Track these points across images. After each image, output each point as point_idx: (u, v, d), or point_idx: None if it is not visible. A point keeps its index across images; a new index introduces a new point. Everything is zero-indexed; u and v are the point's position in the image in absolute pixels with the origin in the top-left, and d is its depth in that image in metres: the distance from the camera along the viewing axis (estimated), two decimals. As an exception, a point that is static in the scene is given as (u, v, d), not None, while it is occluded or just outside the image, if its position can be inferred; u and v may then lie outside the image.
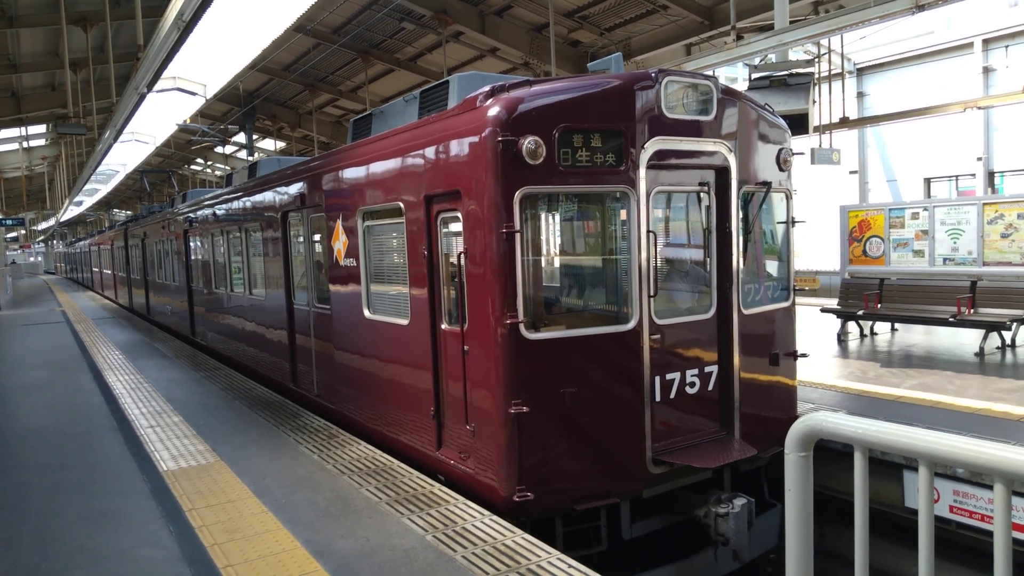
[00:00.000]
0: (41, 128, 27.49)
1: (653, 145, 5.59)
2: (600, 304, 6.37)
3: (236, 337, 12.04)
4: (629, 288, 5.66)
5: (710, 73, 8.32)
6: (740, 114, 6.19)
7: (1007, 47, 19.52)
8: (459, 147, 5.60)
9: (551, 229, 6.34)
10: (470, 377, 5.63)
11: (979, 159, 20.32)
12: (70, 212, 53.45)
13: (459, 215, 5.61)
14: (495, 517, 5.01)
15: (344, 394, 7.94)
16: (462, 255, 5.54)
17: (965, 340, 11.33)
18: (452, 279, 5.89)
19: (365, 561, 4.37)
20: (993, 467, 1.87)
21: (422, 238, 6.10)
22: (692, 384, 5.99)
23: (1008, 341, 10.65)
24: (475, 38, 17.80)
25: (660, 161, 5.67)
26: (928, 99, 18.54)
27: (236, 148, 34.38)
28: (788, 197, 6.84)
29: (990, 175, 20.41)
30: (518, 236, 5.17)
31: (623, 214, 5.73)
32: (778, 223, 6.87)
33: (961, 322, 10.39)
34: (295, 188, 8.87)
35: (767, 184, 6.49)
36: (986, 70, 19.95)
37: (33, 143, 30.80)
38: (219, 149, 35.28)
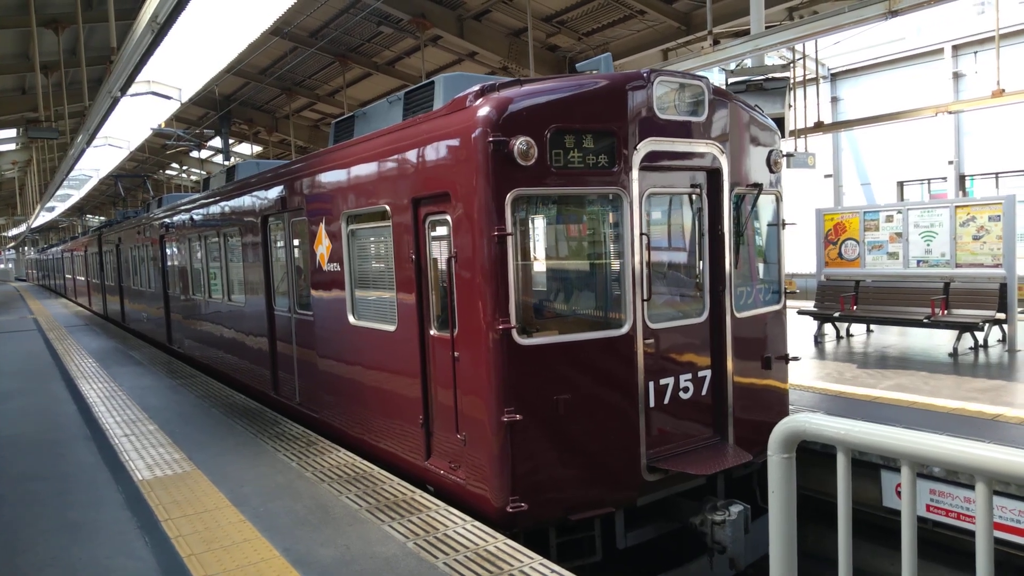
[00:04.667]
0: (11, 132, 27.00)
1: (646, 146, 5.49)
2: (593, 309, 6.20)
3: (214, 344, 11.84)
4: (622, 292, 5.55)
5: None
6: (731, 115, 6.11)
7: (976, 53, 19.90)
8: (448, 148, 5.47)
9: (543, 232, 6.21)
10: (461, 384, 5.48)
11: (950, 163, 20.67)
12: (42, 218, 52.52)
13: (448, 218, 5.46)
14: (477, 523, 4.97)
15: (328, 402, 7.75)
16: (452, 259, 5.39)
17: (939, 341, 11.50)
18: (441, 284, 5.75)
19: (346, 569, 4.32)
20: (976, 467, 1.88)
21: (409, 242, 5.96)
22: (686, 389, 5.89)
23: (980, 341, 10.83)
24: (453, 42, 17.79)
25: (652, 163, 5.58)
26: (900, 104, 18.82)
27: (212, 152, 34.04)
28: (778, 199, 6.79)
29: (961, 178, 20.76)
30: (510, 239, 5.04)
31: (615, 217, 5.62)
32: (769, 225, 6.81)
33: (935, 323, 10.55)
34: (276, 191, 8.71)
35: (758, 186, 6.41)
36: (956, 75, 20.31)
37: (3, 147, 30.25)
38: (194, 153, 34.90)
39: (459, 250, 5.32)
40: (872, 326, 13.11)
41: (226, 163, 27.83)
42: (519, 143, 4.96)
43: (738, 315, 6.18)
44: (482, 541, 4.63)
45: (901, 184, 22.41)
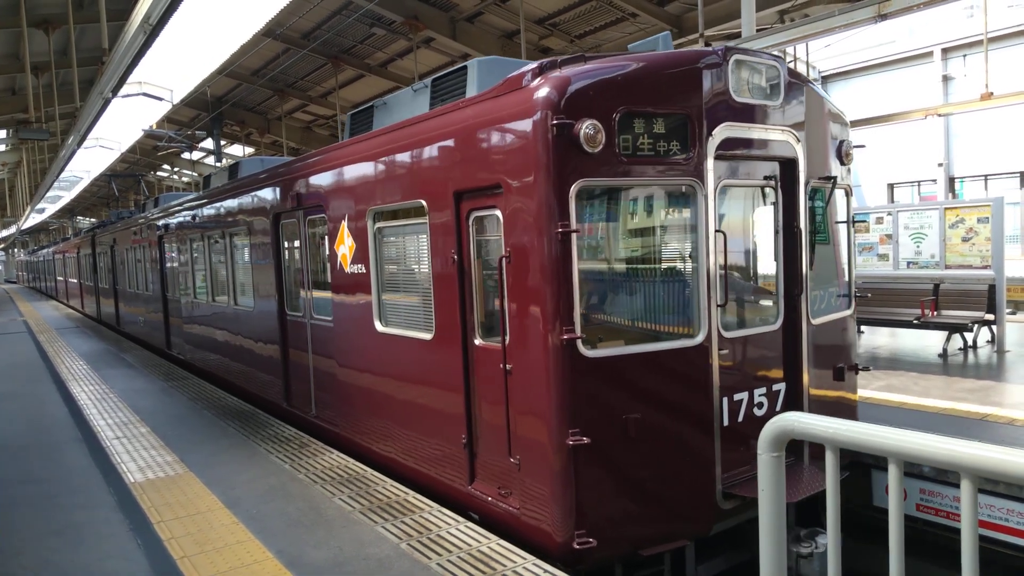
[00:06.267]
0: (1, 133, 26.88)
1: (721, 132, 4.92)
2: (662, 315, 5.34)
3: (219, 350, 11.28)
4: (696, 297, 4.98)
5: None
6: (807, 101, 5.56)
7: (965, 56, 20.08)
8: (500, 134, 4.88)
9: (609, 229, 5.40)
10: (514, 401, 4.90)
11: (940, 165, 20.85)
12: (32, 220, 52.27)
13: (498, 214, 4.90)
14: (470, 524, 4.98)
15: (349, 416, 7.18)
16: (504, 259, 4.81)
17: (929, 342, 11.57)
18: (487, 287, 5.25)
19: (339, 571, 4.33)
20: (960, 464, 1.91)
21: (450, 240, 5.36)
22: (760, 405, 5.33)
23: (970, 342, 10.90)
24: (446, 44, 17.83)
25: (727, 151, 5.01)
26: (890, 106, 18.97)
27: (203, 154, 33.97)
28: (848, 193, 6.32)
29: (951, 180, 20.93)
30: (575, 236, 4.51)
31: (687, 211, 5.05)
32: (837, 222, 6.22)
33: (925, 324, 10.62)
34: (289, 188, 8.12)
35: (832, 179, 5.87)
36: (945, 78, 20.50)
37: (-7, 149, 30.10)
38: (186, 155, 34.81)
39: (513, 250, 4.74)
40: (862, 327, 13.18)
41: (218, 164, 27.78)
42: (585, 127, 4.39)
43: (814, 321, 5.63)
44: (475, 542, 4.64)
45: (891, 186, 22.57)
